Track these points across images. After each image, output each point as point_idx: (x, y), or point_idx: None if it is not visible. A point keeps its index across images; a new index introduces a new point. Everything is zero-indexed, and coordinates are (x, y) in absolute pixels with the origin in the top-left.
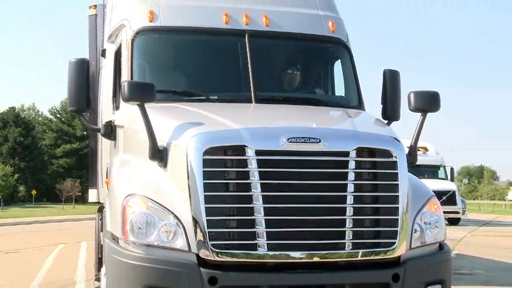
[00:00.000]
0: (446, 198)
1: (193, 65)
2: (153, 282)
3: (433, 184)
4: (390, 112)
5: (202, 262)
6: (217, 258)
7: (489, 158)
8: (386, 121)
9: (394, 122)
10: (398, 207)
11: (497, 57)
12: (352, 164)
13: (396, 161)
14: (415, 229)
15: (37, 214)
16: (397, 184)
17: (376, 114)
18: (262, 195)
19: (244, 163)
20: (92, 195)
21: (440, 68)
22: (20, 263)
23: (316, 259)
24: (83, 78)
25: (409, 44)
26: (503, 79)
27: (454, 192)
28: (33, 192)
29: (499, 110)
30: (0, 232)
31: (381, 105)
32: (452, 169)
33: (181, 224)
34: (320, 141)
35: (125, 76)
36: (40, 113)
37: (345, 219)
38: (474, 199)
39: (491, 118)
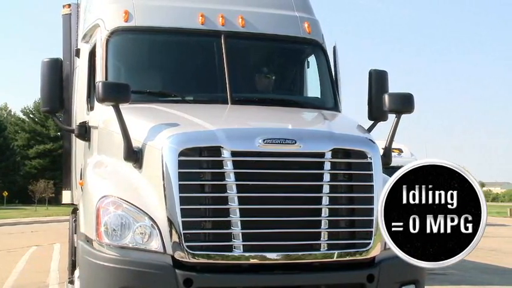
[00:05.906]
0: None
1: (169, 65)
2: (127, 284)
3: None
4: (378, 112)
5: (177, 264)
6: (192, 260)
7: (462, 159)
8: (372, 121)
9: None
10: (373, 208)
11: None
12: (327, 165)
13: (371, 162)
14: None
15: (9, 216)
16: (372, 185)
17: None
18: (238, 196)
19: (219, 164)
20: (66, 196)
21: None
22: None
23: (291, 260)
24: (57, 78)
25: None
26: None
27: None
28: (5, 193)
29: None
30: None
31: (367, 106)
32: None
33: (157, 225)
34: (296, 142)
35: (100, 76)
36: (12, 113)
37: (321, 220)
38: None
39: (463, 119)
